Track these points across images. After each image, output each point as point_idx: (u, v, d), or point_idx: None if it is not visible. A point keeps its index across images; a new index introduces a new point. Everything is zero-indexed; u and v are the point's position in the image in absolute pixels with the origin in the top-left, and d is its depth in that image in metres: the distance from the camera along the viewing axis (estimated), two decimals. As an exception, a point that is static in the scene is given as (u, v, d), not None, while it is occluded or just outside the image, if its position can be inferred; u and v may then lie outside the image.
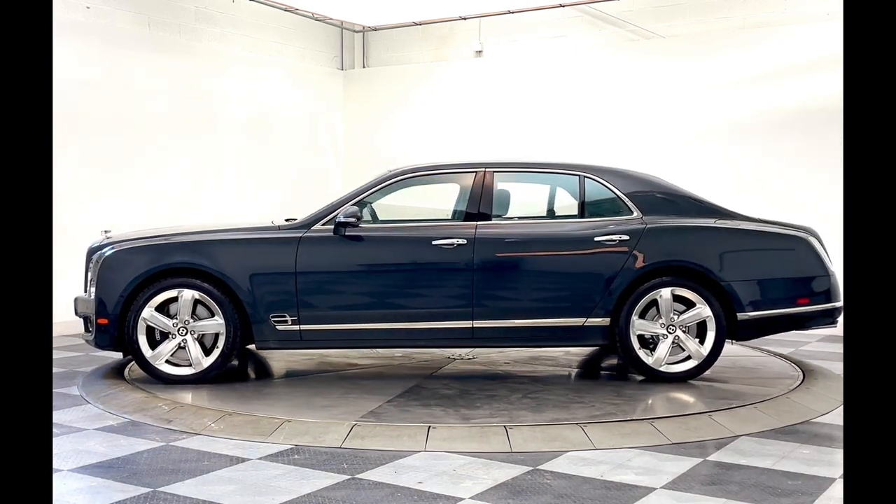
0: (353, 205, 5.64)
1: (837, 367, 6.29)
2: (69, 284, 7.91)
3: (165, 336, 5.52)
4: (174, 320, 5.51)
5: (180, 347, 5.53)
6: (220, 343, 5.52)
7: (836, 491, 3.65)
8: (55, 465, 3.98)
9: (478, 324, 5.56)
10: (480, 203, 5.71)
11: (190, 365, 5.53)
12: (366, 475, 3.85)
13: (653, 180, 5.95)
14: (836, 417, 4.92)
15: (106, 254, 5.63)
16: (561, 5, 9.68)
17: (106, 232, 6.10)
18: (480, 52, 10.56)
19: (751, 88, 8.82)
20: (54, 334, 7.56)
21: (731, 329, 5.59)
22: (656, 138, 9.26)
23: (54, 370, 6.19)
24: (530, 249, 5.63)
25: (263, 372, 6.29)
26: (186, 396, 5.26)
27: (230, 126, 9.76)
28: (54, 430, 4.56)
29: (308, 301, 5.54)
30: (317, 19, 10.71)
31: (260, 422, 4.63)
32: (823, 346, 7.37)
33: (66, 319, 7.87)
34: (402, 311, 5.59)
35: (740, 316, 5.54)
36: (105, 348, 5.65)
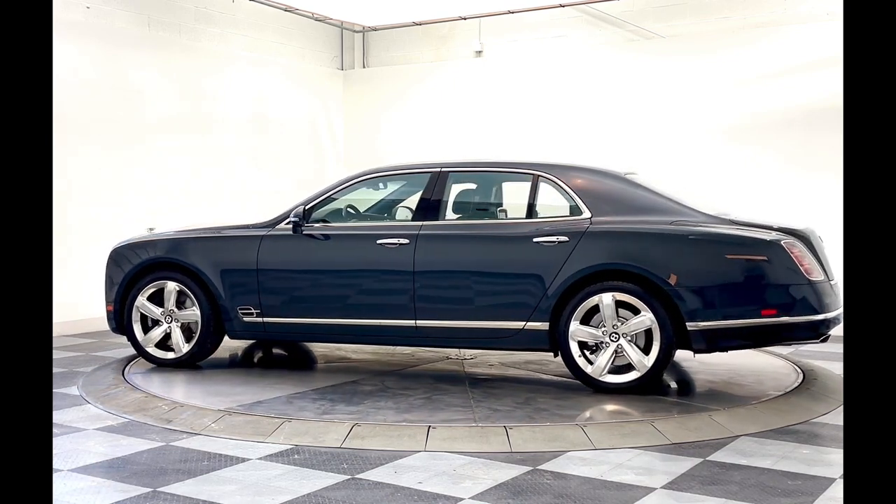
0: (318, 204, 5.91)
1: (837, 367, 6.29)
2: (65, 282, 7.92)
3: (157, 323, 6.10)
4: (162, 309, 6.07)
5: (168, 334, 6.09)
6: (198, 331, 6.01)
7: (836, 491, 3.65)
8: (55, 465, 3.98)
9: (420, 323, 5.56)
10: (430, 203, 5.73)
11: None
12: (366, 475, 3.85)
13: (617, 178, 5.58)
14: (836, 417, 4.92)
15: (112, 249, 6.33)
16: (561, 5, 9.67)
17: (151, 229, 6.66)
18: (480, 52, 10.56)
19: (751, 88, 8.82)
20: (54, 334, 7.56)
21: (686, 340, 5.12)
22: (656, 138, 9.26)
23: (54, 370, 6.19)
24: (469, 250, 5.56)
25: (240, 360, 6.47)
26: (186, 396, 5.27)
27: (230, 126, 9.75)
28: (54, 430, 4.56)
29: (269, 295, 5.88)
30: (317, 19, 10.70)
31: (260, 422, 4.63)
32: (823, 346, 7.35)
33: (66, 319, 7.89)
34: (351, 307, 5.74)
35: (689, 326, 5.03)
36: (115, 332, 6.26)
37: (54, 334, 7.56)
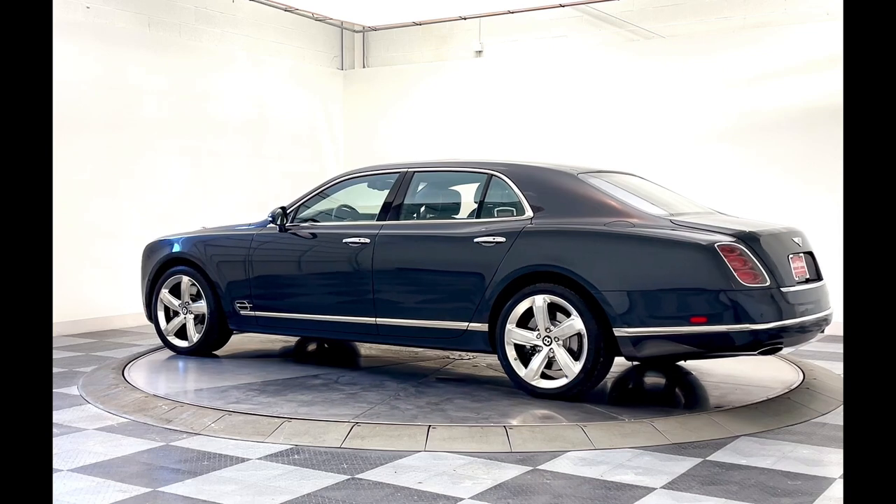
0: (300, 206, 6.23)
1: (837, 367, 6.29)
2: (65, 282, 7.91)
3: (177, 313, 6.66)
4: (180, 301, 6.61)
5: (184, 324, 6.64)
6: (206, 322, 6.49)
7: (836, 491, 3.65)
8: (55, 465, 3.98)
9: (380, 321, 5.68)
10: (393, 203, 5.85)
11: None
12: (366, 475, 3.85)
13: (567, 177, 5.41)
14: (836, 417, 4.92)
15: (145, 246, 6.95)
16: (561, 5, 9.67)
17: (204, 227, 7.16)
18: (480, 52, 10.55)
19: (751, 88, 8.82)
20: (54, 334, 7.56)
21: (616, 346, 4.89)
22: (656, 138, 9.26)
23: (54, 370, 6.19)
24: (420, 249, 5.61)
25: (293, 351, 6.66)
26: (186, 396, 5.27)
27: (230, 126, 9.75)
28: (54, 430, 4.56)
29: (258, 290, 6.25)
30: (317, 19, 10.70)
31: (260, 422, 4.64)
32: (823, 346, 7.37)
33: (66, 319, 7.89)
34: (322, 303, 5.98)
35: (617, 331, 4.81)
36: (150, 321, 6.85)
37: (54, 334, 7.56)
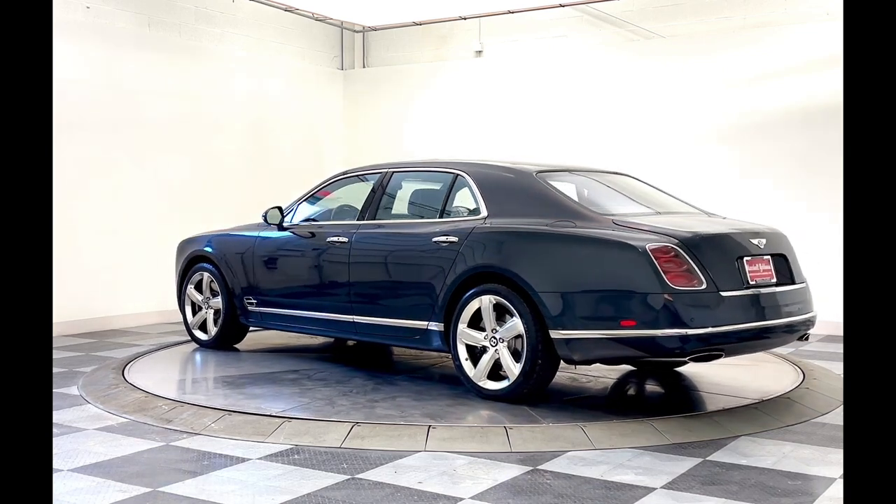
0: (299, 205, 6.46)
1: (837, 367, 6.29)
2: (65, 282, 7.91)
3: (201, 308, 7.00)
4: (203, 296, 6.95)
5: (205, 319, 6.98)
6: (221, 317, 6.81)
7: (836, 491, 3.65)
8: (55, 465, 3.98)
9: (357, 318, 5.80)
10: (371, 203, 5.99)
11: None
12: (366, 475, 3.86)
13: (525, 177, 5.37)
14: (836, 417, 4.92)
15: (178, 243, 7.32)
16: (561, 5, 9.67)
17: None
18: (480, 52, 10.55)
19: (751, 88, 8.81)
20: (54, 334, 7.56)
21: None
22: (656, 138, 9.26)
23: (54, 370, 6.19)
24: (387, 249, 5.70)
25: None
26: (186, 396, 5.27)
27: (230, 126, 9.75)
28: (54, 430, 4.56)
29: (261, 287, 6.50)
30: (317, 19, 10.70)
31: (260, 422, 4.64)
32: (823, 346, 7.37)
33: (66, 319, 7.88)
34: (309, 300, 6.16)
35: (553, 334, 4.72)
36: (182, 314, 7.18)
37: (54, 334, 7.56)
